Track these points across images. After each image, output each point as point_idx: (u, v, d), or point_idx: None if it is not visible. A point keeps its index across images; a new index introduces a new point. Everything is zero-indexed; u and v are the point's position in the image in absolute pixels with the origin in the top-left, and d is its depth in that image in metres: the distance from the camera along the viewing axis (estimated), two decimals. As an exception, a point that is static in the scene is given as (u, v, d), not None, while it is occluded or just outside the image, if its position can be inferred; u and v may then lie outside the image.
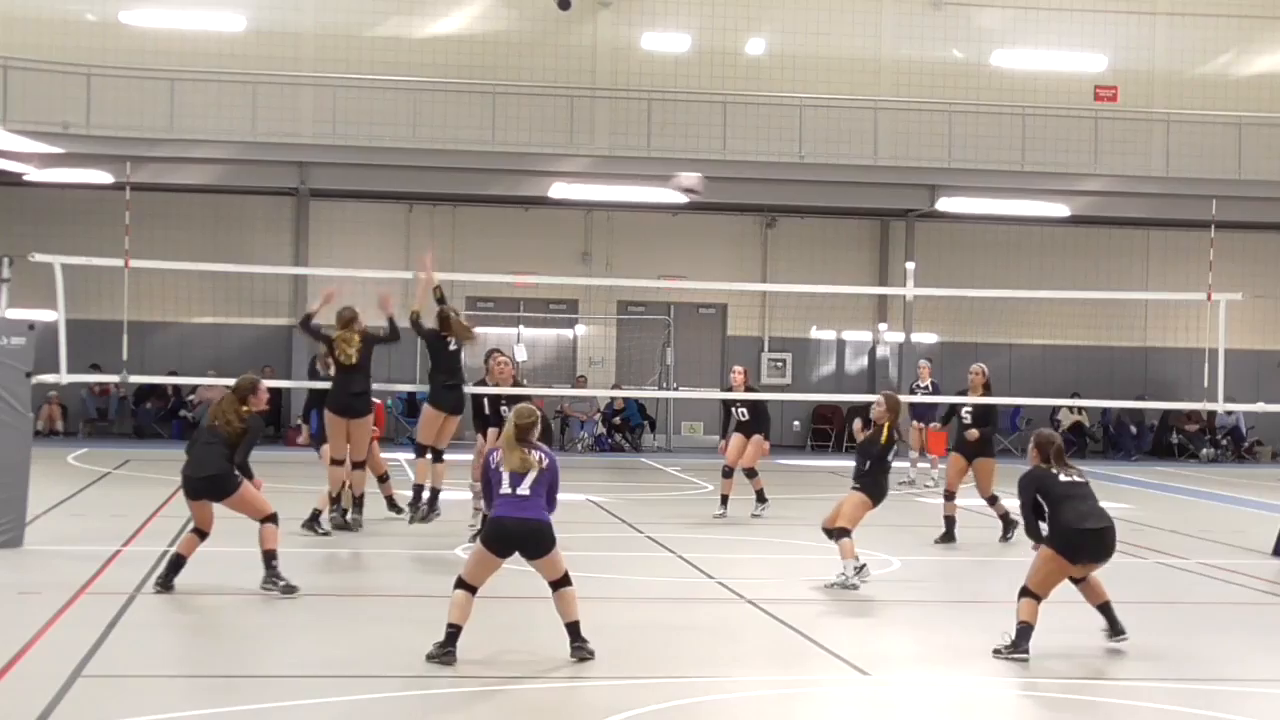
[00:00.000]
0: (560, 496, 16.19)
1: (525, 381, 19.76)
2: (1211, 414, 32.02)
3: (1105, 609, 11.24)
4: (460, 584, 10.27)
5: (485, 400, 15.86)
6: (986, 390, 17.49)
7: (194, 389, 30.58)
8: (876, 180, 31.41)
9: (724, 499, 18.71)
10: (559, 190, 30.24)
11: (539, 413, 10.67)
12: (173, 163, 29.13)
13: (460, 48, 31.80)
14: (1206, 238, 20.74)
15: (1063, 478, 10.96)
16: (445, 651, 10.04)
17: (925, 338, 32.79)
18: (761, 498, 18.73)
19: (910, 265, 29.99)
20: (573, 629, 10.31)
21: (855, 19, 32.92)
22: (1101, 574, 15.06)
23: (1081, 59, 33.61)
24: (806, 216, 33.01)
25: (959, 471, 17.03)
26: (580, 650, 10.25)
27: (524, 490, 10.22)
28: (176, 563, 12.51)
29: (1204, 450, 32.98)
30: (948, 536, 16.82)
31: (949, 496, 16.95)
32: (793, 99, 31.39)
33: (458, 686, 9.60)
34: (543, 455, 10.36)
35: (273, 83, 30.32)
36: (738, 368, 19.33)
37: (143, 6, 30.91)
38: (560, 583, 10.35)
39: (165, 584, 12.43)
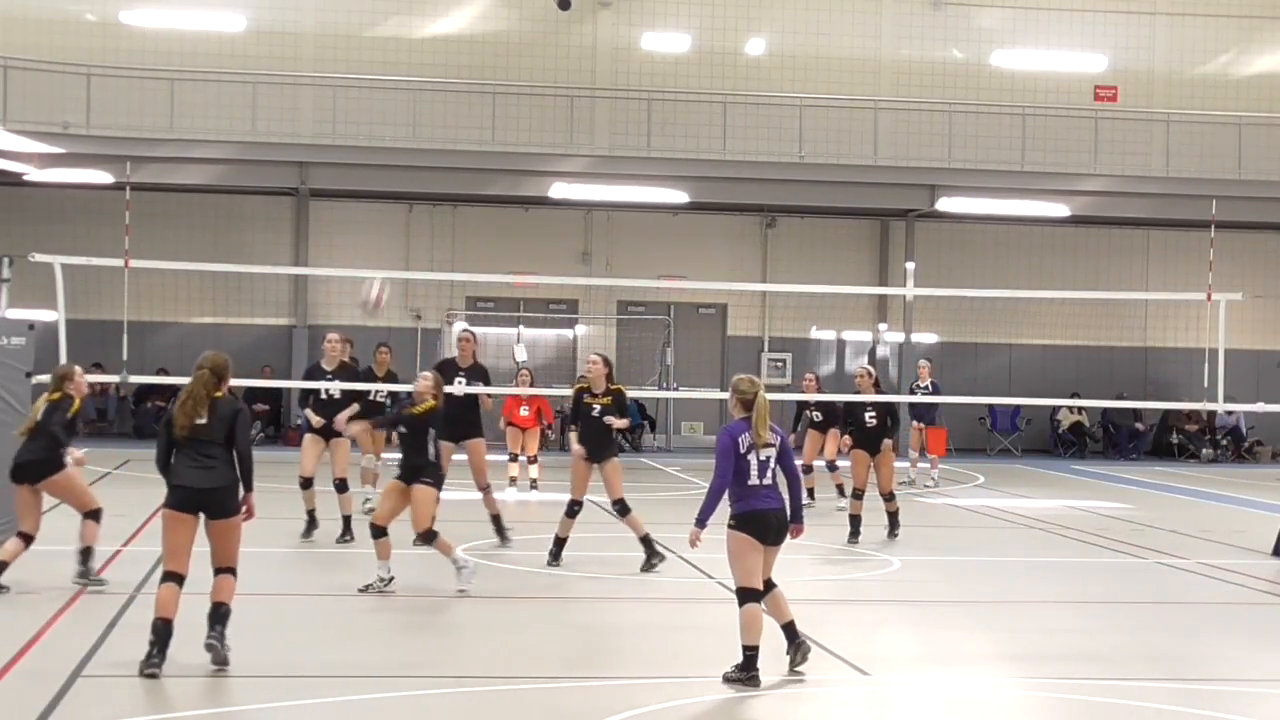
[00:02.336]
0: (561, 496, 16.25)
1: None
2: (1211, 414, 32.03)
3: None
4: (746, 596, 9.71)
5: None
6: (878, 388, 17.95)
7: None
8: (876, 180, 31.40)
9: (809, 492, 19.35)
10: (559, 190, 30.24)
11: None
12: (173, 163, 29.12)
13: (460, 48, 31.80)
14: (1206, 238, 20.73)
15: None
16: (750, 675, 9.62)
17: (925, 338, 32.79)
18: (843, 492, 19.56)
19: (910, 265, 30.01)
20: (788, 629, 10.01)
21: (855, 19, 32.91)
22: (1096, 574, 15.08)
23: (1081, 59, 33.61)
24: (806, 216, 33.01)
25: (865, 468, 17.10)
26: (799, 650, 9.94)
27: (768, 480, 9.83)
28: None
29: (1204, 450, 32.97)
30: (854, 535, 16.76)
31: (858, 495, 16.92)
32: (793, 99, 31.39)
33: (458, 687, 9.59)
34: (777, 436, 9.98)
35: (273, 83, 30.32)
36: (809, 374, 20.78)
37: (143, 6, 30.90)
38: (769, 584, 9.97)
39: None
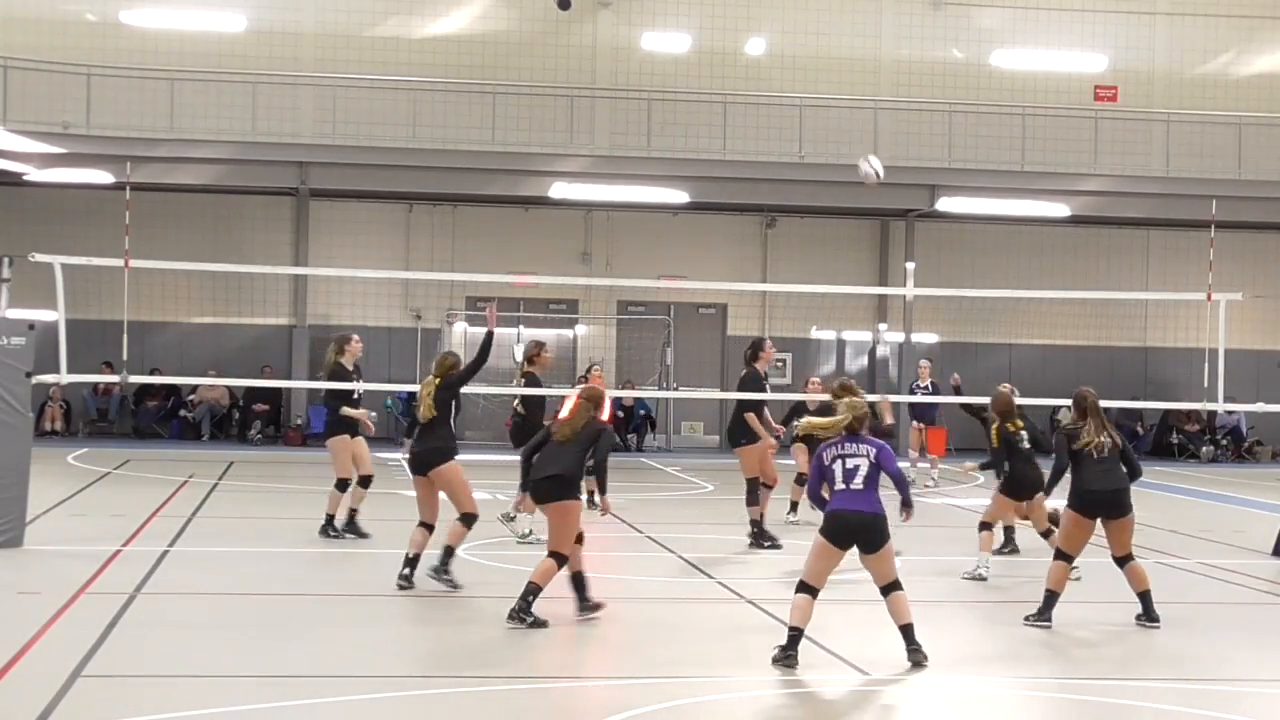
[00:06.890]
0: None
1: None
2: (1211, 414, 32.00)
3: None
4: (802, 587, 10.45)
5: None
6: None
7: (194, 389, 30.58)
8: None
9: (793, 506, 19.43)
10: (559, 190, 30.24)
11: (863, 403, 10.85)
12: (173, 163, 29.12)
13: (460, 48, 31.79)
14: (1206, 238, 20.74)
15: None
16: (788, 655, 10.19)
17: (925, 338, 32.78)
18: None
19: (910, 265, 29.98)
20: (906, 631, 10.48)
21: (855, 19, 32.91)
22: (1096, 574, 15.03)
23: (1081, 59, 33.60)
24: (806, 216, 33.00)
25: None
26: (916, 654, 10.40)
27: (858, 484, 10.42)
28: None
29: (1204, 450, 32.96)
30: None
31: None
32: (793, 99, 31.38)
33: (458, 687, 9.60)
34: (870, 447, 10.53)
35: (273, 83, 30.32)
36: (813, 379, 20.55)
37: (143, 6, 30.90)
38: (890, 587, 10.53)
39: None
